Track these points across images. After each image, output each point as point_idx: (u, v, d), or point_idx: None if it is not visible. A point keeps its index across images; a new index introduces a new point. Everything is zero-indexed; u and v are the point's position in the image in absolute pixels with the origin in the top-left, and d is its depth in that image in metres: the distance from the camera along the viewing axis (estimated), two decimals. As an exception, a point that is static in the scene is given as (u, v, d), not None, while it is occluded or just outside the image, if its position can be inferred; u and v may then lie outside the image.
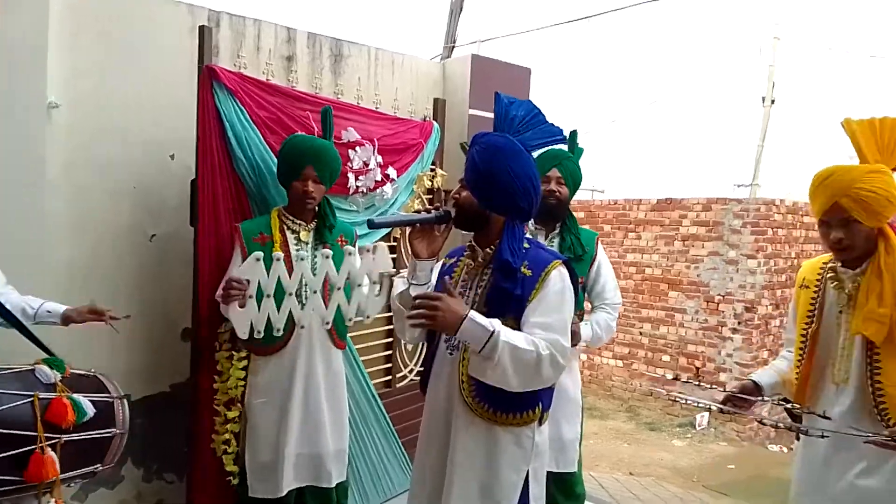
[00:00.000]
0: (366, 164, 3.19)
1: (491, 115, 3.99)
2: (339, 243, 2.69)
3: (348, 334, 2.83)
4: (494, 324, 1.74)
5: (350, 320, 2.61)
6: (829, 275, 2.21)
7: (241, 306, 2.35)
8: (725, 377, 7.50)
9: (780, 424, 2.10)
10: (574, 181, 2.92)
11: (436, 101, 3.80)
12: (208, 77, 2.62)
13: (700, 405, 2.21)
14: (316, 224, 2.65)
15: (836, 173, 2.07)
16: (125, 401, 2.21)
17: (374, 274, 2.47)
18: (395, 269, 2.69)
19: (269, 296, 2.38)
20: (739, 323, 7.50)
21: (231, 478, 2.62)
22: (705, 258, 7.78)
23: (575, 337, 2.63)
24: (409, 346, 3.75)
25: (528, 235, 2.00)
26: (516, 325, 1.82)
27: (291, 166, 2.54)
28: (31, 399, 1.90)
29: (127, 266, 2.91)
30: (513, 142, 1.90)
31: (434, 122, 3.69)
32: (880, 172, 2.05)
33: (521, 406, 1.87)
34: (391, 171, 3.33)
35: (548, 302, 1.81)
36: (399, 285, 2.08)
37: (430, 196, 3.77)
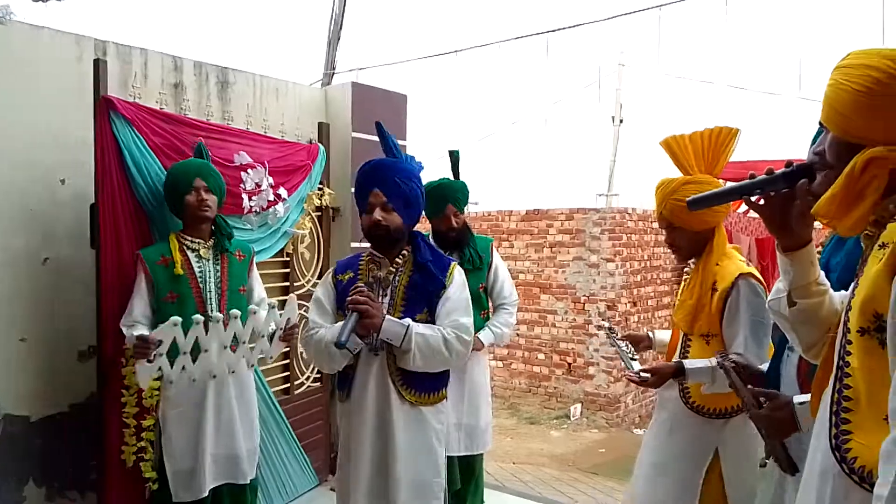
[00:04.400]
0: (258, 186, 3.41)
1: (372, 139, 4.33)
2: (237, 256, 2.90)
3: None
4: (407, 321, 2.14)
5: (253, 365, 2.88)
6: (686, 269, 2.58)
7: (149, 361, 2.52)
8: (594, 370, 8.22)
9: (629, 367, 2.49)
10: (465, 202, 3.30)
11: (320, 125, 4.06)
12: (105, 108, 2.75)
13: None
14: (214, 240, 2.84)
15: (659, 186, 2.40)
16: None
17: (280, 323, 2.81)
18: (298, 317, 2.99)
19: (185, 353, 2.60)
20: (603, 320, 8.25)
21: (150, 483, 2.75)
22: (571, 263, 8.49)
23: (476, 344, 3.04)
24: (305, 356, 3.96)
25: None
26: (429, 317, 2.22)
27: (181, 183, 2.73)
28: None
29: (19, 290, 2.93)
30: (415, 165, 2.33)
31: (320, 145, 3.95)
32: (695, 182, 2.30)
33: (436, 386, 2.28)
34: (282, 191, 3.56)
35: (454, 292, 2.25)
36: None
37: (319, 213, 4.03)
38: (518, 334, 8.82)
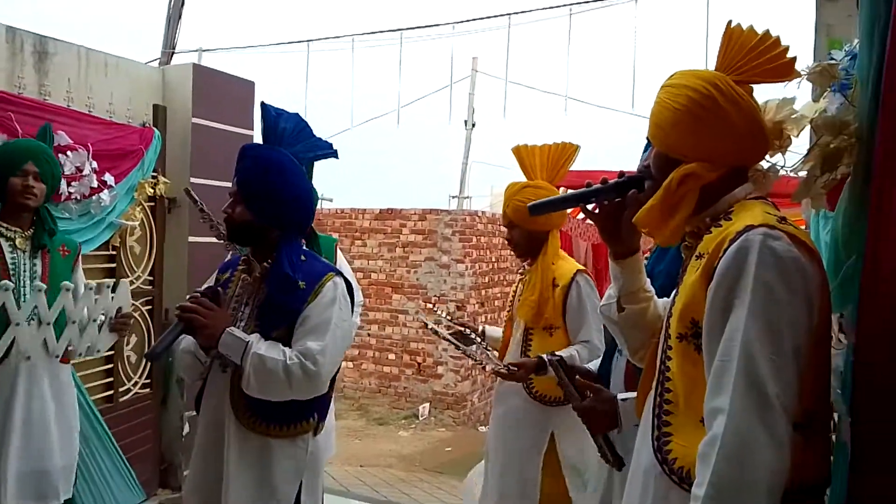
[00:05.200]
0: (79, 170, 3.06)
1: (216, 125, 4.09)
2: (61, 252, 2.59)
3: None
4: (252, 337, 1.82)
5: (80, 355, 2.57)
6: (520, 272, 2.81)
7: None
8: (442, 370, 8.33)
9: (451, 339, 2.76)
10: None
11: (156, 107, 3.74)
12: None
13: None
14: (34, 231, 2.51)
15: (506, 189, 2.65)
16: None
17: (111, 310, 2.54)
18: (132, 307, 2.65)
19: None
20: (452, 320, 8.39)
21: None
22: (423, 263, 8.56)
23: None
24: (133, 359, 3.62)
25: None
26: (288, 335, 1.87)
27: (9, 163, 2.42)
28: None
29: None
30: (287, 155, 1.94)
31: (155, 129, 3.64)
32: (536, 187, 2.57)
33: (293, 417, 1.90)
34: (108, 178, 3.23)
35: (317, 310, 1.87)
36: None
37: (153, 204, 3.70)
38: (369, 334, 8.74)
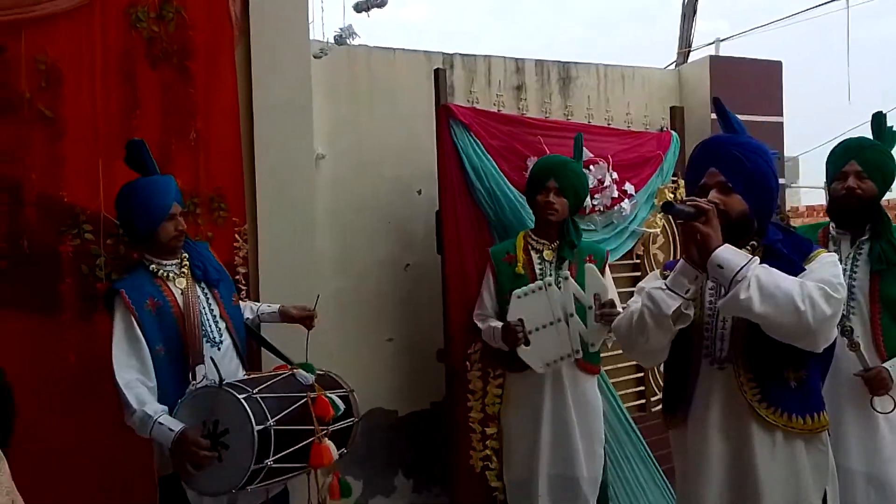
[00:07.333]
0: (601, 182, 3.17)
1: (738, 117, 3.73)
2: (587, 261, 2.66)
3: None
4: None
5: (567, 356, 2.50)
6: None
7: (527, 345, 2.44)
8: None
9: None
10: (883, 173, 2.39)
11: (672, 109, 3.64)
12: (444, 115, 2.83)
13: None
14: (559, 243, 2.67)
15: None
16: (355, 393, 2.34)
17: (586, 299, 2.46)
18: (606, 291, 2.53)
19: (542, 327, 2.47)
20: None
21: (497, 493, 2.73)
22: None
23: (883, 384, 2.21)
24: (662, 369, 3.54)
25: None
26: None
27: (535, 182, 2.63)
28: (306, 399, 2.08)
29: (385, 294, 3.22)
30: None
31: (672, 132, 3.53)
32: None
33: (809, 408, 1.71)
34: (628, 187, 3.26)
35: (819, 266, 1.69)
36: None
37: (675, 210, 3.59)
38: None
